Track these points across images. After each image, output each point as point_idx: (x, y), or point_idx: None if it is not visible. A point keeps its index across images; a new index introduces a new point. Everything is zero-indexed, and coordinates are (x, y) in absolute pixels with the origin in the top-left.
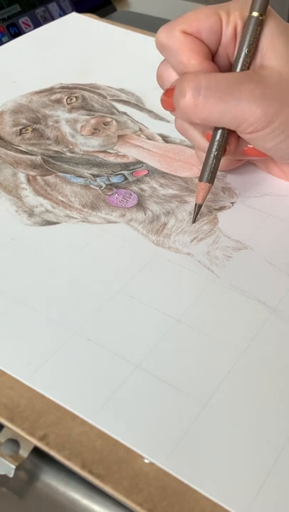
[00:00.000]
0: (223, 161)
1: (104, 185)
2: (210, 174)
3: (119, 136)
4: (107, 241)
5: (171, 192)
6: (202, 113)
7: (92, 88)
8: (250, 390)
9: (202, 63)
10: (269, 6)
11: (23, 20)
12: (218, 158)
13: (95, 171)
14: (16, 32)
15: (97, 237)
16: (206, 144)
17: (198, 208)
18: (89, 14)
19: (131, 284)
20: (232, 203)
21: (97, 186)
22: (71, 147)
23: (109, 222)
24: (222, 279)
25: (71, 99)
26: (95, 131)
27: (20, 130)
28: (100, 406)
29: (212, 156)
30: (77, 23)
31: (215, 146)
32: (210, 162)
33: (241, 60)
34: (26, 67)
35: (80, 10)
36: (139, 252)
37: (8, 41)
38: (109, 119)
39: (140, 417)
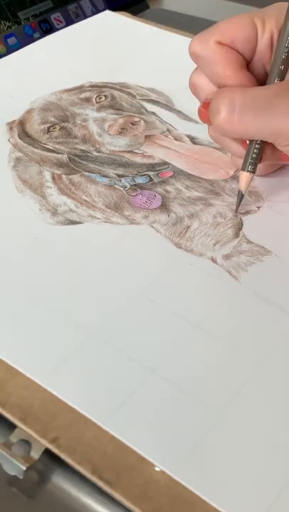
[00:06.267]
0: (258, 167)
1: (128, 186)
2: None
3: (147, 137)
4: (129, 242)
5: (196, 194)
6: (238, 130)
7: (122, 87)
8: (267, 401)
9: (237, 73)
10: None
11: (54, 17)
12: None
13: (120, 171)
14: (47, 28)
15: (119, 238)
16: (242, 152)
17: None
18: (122, 12)
19: (151, 287)
20: (258, 208)
21: (121, 187)
22: (98, 146)
23: (132, 224)
24: (244, 285)
25: (100, 98)
26: (122, 130)
27: (48, 128)
28: (113, 411)
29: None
30: (109, 21)
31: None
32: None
33: (276, 70)
34: (57, 65)
35: (113, 7)
36: (161, 254)
37: (39, 37)
38: (137, 119)
39: (153, 424)
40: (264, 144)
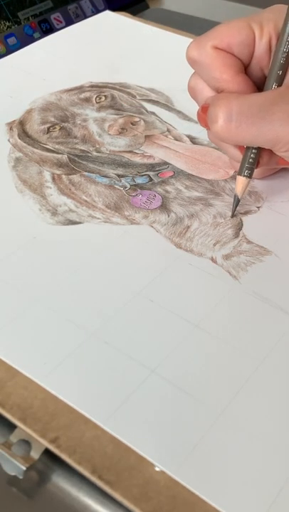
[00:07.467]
0: (256, 171)
1: (128, 186)
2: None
3: (147, 137)
4: (129, 242)
5: (196, 194)
6: (235, 137)
7: (122, 87)
8: (267, 401)
9: (234, 78)
10: None
11: (54, 17)
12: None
13: (120, 171)
14: (47, 28)
15: (119, 238)
16: (240, 156)
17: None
18: (122, 12)
19: (151, 287)
20: (258, 208)
21: (121, 187)
22: (98, 146)
23: (132, 224)
24: (244, 285)
25: (100, 98)
26: (122, 130)
27: (48, 128)
28: (113, 411)
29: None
30: (109, 21)
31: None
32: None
33: (274, 75)
34: (57, 65)
35: (113, 7)
36: (161, 254)
37: (39, 37)
38: (137, 119)
39: (153, 424)
40: (261, 150)
